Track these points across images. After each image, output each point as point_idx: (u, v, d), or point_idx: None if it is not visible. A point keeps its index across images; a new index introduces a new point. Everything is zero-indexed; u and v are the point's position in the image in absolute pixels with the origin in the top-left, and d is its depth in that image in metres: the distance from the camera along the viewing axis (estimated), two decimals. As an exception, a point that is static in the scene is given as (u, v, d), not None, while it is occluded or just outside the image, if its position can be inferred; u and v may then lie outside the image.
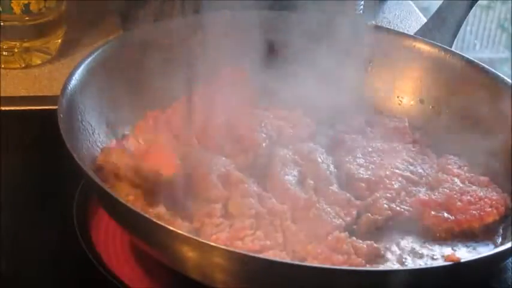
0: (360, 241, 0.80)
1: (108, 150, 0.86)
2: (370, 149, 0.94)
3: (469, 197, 0.87)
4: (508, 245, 0.76)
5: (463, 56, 1.02)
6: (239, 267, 0.71)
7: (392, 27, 1.08)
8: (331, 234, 0.79)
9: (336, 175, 0.89)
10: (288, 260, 0.75)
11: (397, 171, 0.90)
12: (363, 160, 0.92)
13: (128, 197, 0.81)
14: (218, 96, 0.95)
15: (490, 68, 1.00)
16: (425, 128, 1.00)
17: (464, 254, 0.82)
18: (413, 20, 1.35)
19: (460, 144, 0.96)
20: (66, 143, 0.78)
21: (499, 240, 0.85)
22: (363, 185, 0.88)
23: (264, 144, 0.91)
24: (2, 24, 1.06)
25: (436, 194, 0.88)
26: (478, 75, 0.99)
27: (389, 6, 1.39)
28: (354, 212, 0.84)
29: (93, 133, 0.88)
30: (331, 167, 0.90)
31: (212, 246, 0.70)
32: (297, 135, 0.94)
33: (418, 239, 0.84)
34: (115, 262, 0.81)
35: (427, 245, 0.84)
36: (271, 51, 1.02)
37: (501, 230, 0.87)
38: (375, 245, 0.80)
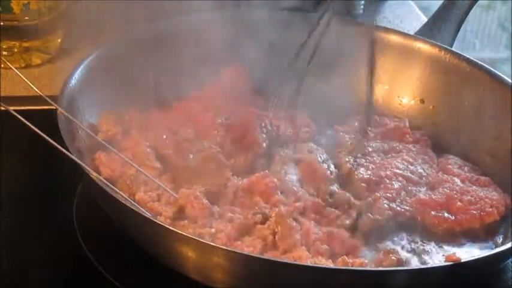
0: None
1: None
2: (370, 149, 0.94)
3: (469, 197, 0.87)
4: (508, 245, 0.76)
5: (463, 56, 1.01)
6: (239, 267, 0.71)
7: (392, 27, 1.08)
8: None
9: (336, 175, 0.89)
10: (288, 260, 0.75)
11: (397, 171, 0.90)
12: (363, 160, 0.92)
13: None
14: (218, 96, 0.95)
15: (490, 68, 1.00)
16: (425, 128, 1.00)
17: (464, 254, 0.82)
18: (414, 20, 1.35)
19: (460, 144, 0.96)
20: (66, 143, 0.78)
21: (500, 240, 0.86)
22: (363, 185, 0.88)
23: (264, 144, 0.91)
24: (2, 24, 1.06)
25: (436, 194, 0.88)
26: (478, 75, 0.99)
27: (389, 6, 1.39)
28: (354, 214, 0.84)
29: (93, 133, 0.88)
30: (332, 167, 0.90)
31: (212, 246, 0.70)
32: (297, 135, 0.94)
33: (418, 239, 0.84)
34: (115, 262, 0.81)
35: (427, 245, 0.84)
36: (271, 51, 1.02)
37: (501, 230, 0.87)
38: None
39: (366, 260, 0.79)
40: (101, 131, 0.89)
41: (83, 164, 0.77)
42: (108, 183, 0.79)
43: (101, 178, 0.79)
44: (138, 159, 0.86)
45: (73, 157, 0.77)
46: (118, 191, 0.80)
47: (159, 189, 0.82)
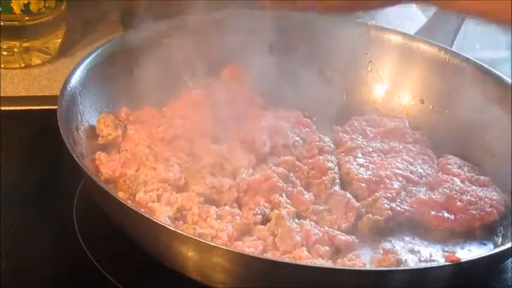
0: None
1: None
2: (370, 149, 0.94)
3: (469, 197, 0.87)
4: (508, 245, 0.76)
5: (463, 56, 1.02)
6: (239, 267, 0.71)
7: (392, 27, 1.08)
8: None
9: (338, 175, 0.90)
10: (288, 260, 0.75)
11: (397, 171, 0.90)
12: (363, 160, 0.92)
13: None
14: (218, 97, 0.95)
15: (490, 68, 1.00)
16: (425, 128, 1.00)
17: (464, 254, 0.82)
18: (414, 20, 1.35)
19: (460, 144, 0.96)
20: (66, 142, 0.78)
21: (499, 240, 0.85)
22: (363, 185, 0.88)
23: (265, 146, 0.91)
24: (2, 24, 1.06)
25: (436, 194, 0.88)
26: (478, 75, 0.99)
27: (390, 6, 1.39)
28: (352, 218, 0.83)
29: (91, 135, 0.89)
30: (336, 169, 0.90)
31: (212, 246, 0.70)
32: (297, 136, 0.94)
33: (418, 239, 0.84)
34: (115, 262, 0.81)
35: (427, 245, 0.84)
36: (271, 51, 1.02)
37: (501, 230, 0.87)
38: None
39: (366, 260, 0.79)
40: (101, 135, 0.88)
41: (82, 164, 0.77)
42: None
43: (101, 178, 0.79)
44: (138, 159, 0.86)
45: (73, 157, 0.77)
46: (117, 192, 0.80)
47: (159, 190, 0.82)
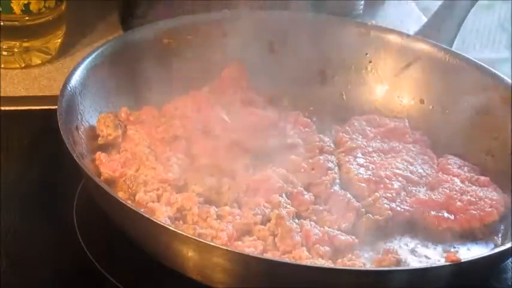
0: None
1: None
2: (370, 149, 0.94)
3: (469, 197, 0.87)
4: (508, 245, 0.76)
5: (463, 56, 1.02)
6: (239, 267, 0.71)
7: (392, 27, 1.08)
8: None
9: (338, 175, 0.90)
10: (288, 260, 0.75)
11: (397, 171, 0.90)
12: (363, 160, 0.92)
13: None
14: (218, 97, 0.95)
15: (490, 68, 1.00)
16: (425, 128, 1.00)
17: (464, 254, 0.82)
18: (414, 20, 1.35)
19: (460, 144, 0.96)
20: (66, 142, 0.78)
21: (499, 240, 0.86)
22: (363, 185, 0.88)
23: (264, 146, 0.91)
24: (2, 24, 1.06)
25: (436, 194, 0.88)
26: (478, 75, 0.99)
27: (389, 6, 1.39)
28: (352, 218, 0.83)
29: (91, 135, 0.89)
30: (336, 169, 0.90)
31: (212, 246, 0.70)
32: (297, 136, 0.94)
33: (418, 239, 0.84)
34: (115, 262, 0.81)
35: (427, 245, 0.84)
36: (271, 51, 1.02)
37: (501, 230, 0.87)
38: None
39: (366, 260, 0.79)
40: (101, 135, 0.88)
41: (82, 164, 0.77)
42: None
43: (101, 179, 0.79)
44: (138, 159, 0.86)
45: (73, 157, 0.77)
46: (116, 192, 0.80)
47: (159, 190, 0.82)
